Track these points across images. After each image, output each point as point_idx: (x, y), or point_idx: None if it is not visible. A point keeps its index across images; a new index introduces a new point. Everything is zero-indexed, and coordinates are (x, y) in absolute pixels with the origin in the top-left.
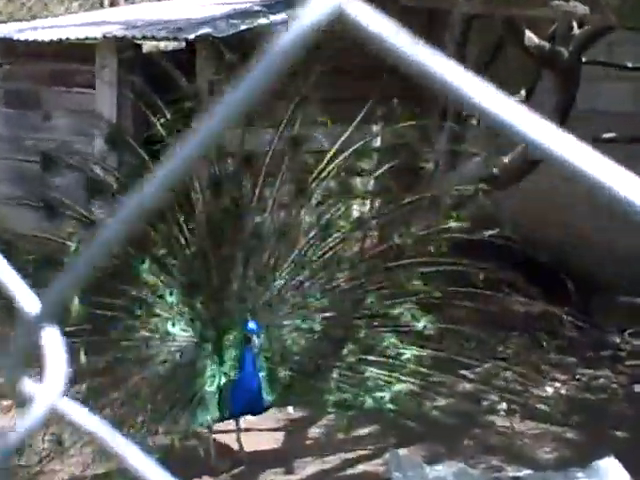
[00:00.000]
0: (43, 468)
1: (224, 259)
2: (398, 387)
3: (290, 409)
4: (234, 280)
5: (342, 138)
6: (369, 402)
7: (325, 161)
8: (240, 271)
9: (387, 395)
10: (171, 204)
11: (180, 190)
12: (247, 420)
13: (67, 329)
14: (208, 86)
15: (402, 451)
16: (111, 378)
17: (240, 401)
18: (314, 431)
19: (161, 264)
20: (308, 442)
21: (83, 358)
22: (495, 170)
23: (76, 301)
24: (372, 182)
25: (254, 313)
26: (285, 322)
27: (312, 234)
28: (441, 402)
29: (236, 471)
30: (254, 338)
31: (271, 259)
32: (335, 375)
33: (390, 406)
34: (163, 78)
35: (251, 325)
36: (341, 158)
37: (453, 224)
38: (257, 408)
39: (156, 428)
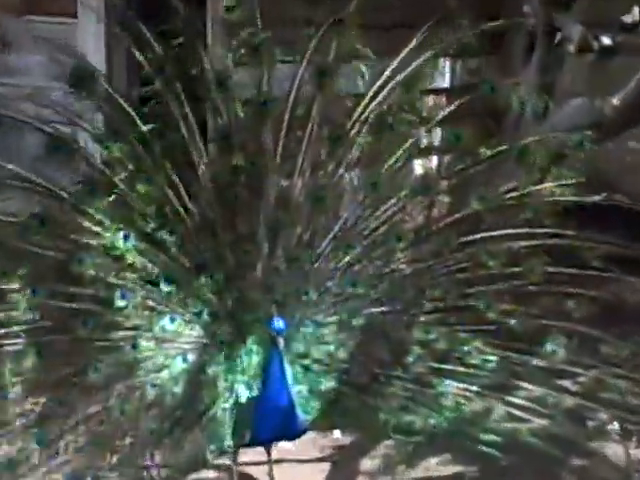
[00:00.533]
0: None
1: (241, 235)
2: (480, 405)
3: (336, 433)
4: (257, 262)
5: (389, 70)
6: (441, 425)
7: (368, 100)
8: (265, 250)
9: (468, 417)
10: (160, 160)
11: (173, 142)
12: (280, 448)
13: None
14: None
15: None
16: (81, 389)
17: (267, 422)
18: (367, 462)
19: (153, 241)
20: (358, 477)
21: (31, 362)
22: (603, 113)
23: (27, 292)
24: (439, 131)
25: (284, 306)
26: (327, 318)
27: (359, 200)
28: (535, 424)
29: None
30: (280, 340)
31: (305, 234)
32: (396, 389)
33: (469, 430)
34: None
35: (277, 323)
36: (393, 96)
37: (551, 185)
38: (290, 431)
39: (152, 455)
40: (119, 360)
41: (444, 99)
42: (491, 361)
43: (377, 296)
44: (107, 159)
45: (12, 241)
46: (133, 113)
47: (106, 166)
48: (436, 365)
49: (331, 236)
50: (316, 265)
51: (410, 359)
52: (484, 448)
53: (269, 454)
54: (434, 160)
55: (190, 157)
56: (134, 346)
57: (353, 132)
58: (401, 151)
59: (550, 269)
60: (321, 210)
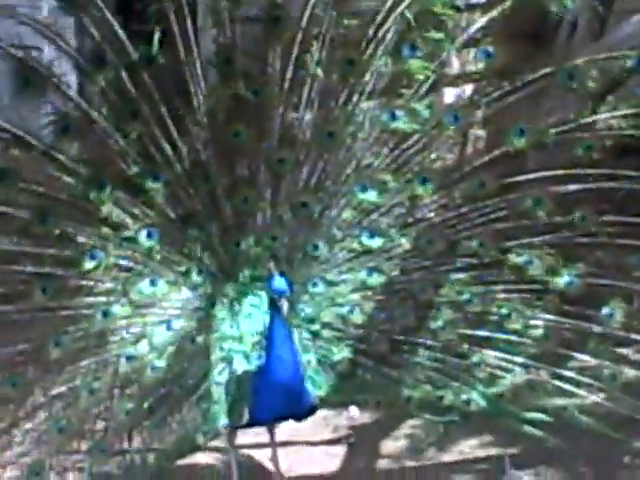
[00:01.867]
0: None
1: (239, 179)
2: (523, 378)
3: (352, 411)
4: (257, 210)
5: None
6: (477, 402)
7: (385, 14)
8: (267, 196)
9: (508, 392)
10: (149, 90)
11: (164, 64)
12: (286, 428)
13: None
14: None
15: (527, 474)
16: (41, 365)
17: (270, 399)
18: (389, 444)
19: (133, 188)
20: (380, 461)
21: None
22: None
23: None
24: (473, 52)
25: (289, 262)
26: (340, 276)
27: (375, 135)
28: (589, 400)
29: None
30: (283, 302)
31: (313, 177)
32: (422, 360)
33: (510, 408)
34: None
35: (278, 282)
36: (414, 8)
37: (605, 116)
38: (298, 410)
39: (129, 439)
40: (87, 331)
41: (479, 16)
42: (535, 326)
43: (399, 250)
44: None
45: None
46: (123, 35)
47: (84, 100)
48: (469, 331)
49: (343, 179)
50: (326, 213)
51: (439, 324)
52: (527, 428)
53: (272, 436)
54: (467, 88)
55: (185, 85)
56: (105, 314)
57: (368, 54)
58: (425, 76)
59: (605, 218)
60: (331, 148)
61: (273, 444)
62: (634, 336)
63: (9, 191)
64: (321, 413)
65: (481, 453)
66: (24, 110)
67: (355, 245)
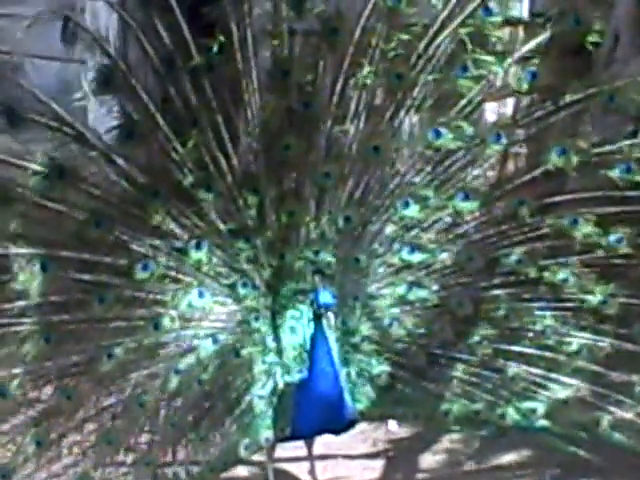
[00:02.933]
0: None
1: (285, 192)
2: (560, 394)
3: (391, 424)
4: (301, 224)
5: None
6: (513, 416)
7: (435, 31)
8: (311, 210)
9: (542, 406)
10: (208, 96)
11: (223, 73)
12: (324, 442)
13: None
14: None
15: None
16: (94, 377)
17: (311, 412)
18: (428, 459)
19: (185, 199)
20: (419, 475)
21: (36, 348)
22: None
23: (36, 267)
24: (515, 70)
25: (330, 276)
26: (380, 290)
27: (419, 151)
28: (621, 416)
29: None
30: (329, 315)
31: (356, 191)
32: (459, 374)
33: (546, 423)
34: None
35: (323, 295)
36: (463, 28)
37: None
38: (337, 423)
39: (173, 452)
40: (138, 343)
41: (521, 31)
42: (570, 343)
43: (439, 266)
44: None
45: (31, 195)
46: (189, 38)
47: (152, 103)
48: (505, 346)
49: (386, 194)
50: (368, 228)
51: (476, 339)
52: (561, 443)
53: (310, 449)
54: (509, 105)
55: (241, 95)
56: (156, 326)
57: (417, 69)
58: (471, 93)
59: None
60: (376, 162)
61: (311, 457)
62: None
63: (66, 190)
64: (359, 427)
65: (520, 468)
66: (98, 112)
67: (395, 260)
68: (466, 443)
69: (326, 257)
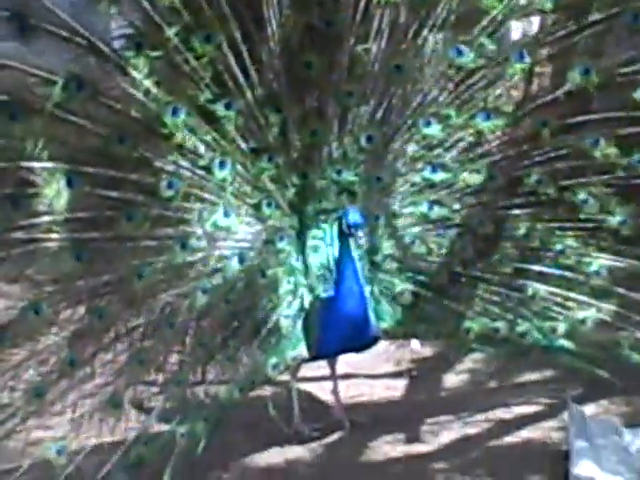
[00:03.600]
0: (16, 427)
1: (308, 111)
2: (579, 314)
3: (414, 344)
4: (324, 143)
5: None
6: (533, 335)
7: None
8: (334, 129)
9: (562, 326)
10: (225, 11)
11: None
12: (347, 362)
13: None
14: None
15: (588, 409)
16: (125, 297)
17: (336, 330)
18: (451, 378)
19: (206, 116)
20: (442, 394)
21: (71, 267)
22: None
23: (61, 182)
24: None
25: (354, 195)
26: (402, 209)
27: (441, 70)
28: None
29: (331, 439)
30: (358, 234)
31: (378, 110)
32: (480, 292)
33: (566, 343)
34: None
35: (353, 215)
36: None
37: None
38: (362, 341)
39: (202, 372)
40: (167, 263)
41: None
42: (590, 264)
43: (461, 185)
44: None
45: (49, 107)
46: None
47: (159, 15)
48: (526, 266)
49: (408, 113)
50: (390, 147)
51: (496, 258)
52: (582, 363)
53: (333, 369)
54: (535, 24)
55: (260, 11)
56: (183, 246)
57: None
58: (495, 11)
59: None
60: (398, 81)
61: (334, 377)
62: None
63: (86, 103)
64: (383, 346)
65: (541, 387)
66: (98, 21)
67: (418, 179)
68: (488, 363)
69: (349, 176)
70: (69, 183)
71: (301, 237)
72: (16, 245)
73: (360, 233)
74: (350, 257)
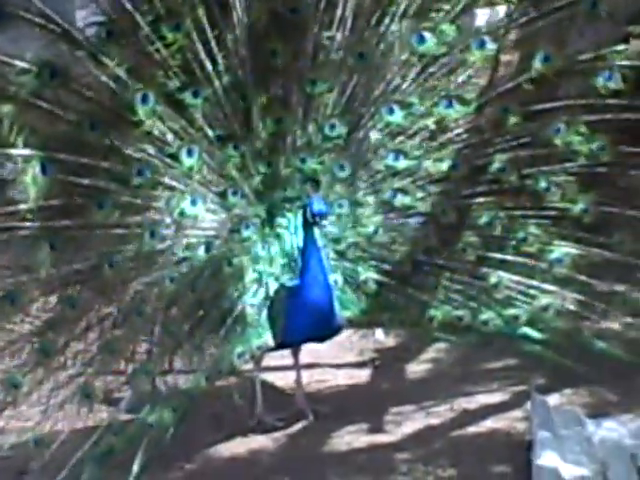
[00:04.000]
0: None
1: (273, 99)
2: (542, 302)
3: (378, 334)
4: (288, 131)
5: None
6: (496, 323)
7: None
8: (298, 118)
9: (524, 313)
10: (193, 3)
11: None
12: (311, 351)
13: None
14: None
15: (552, 399)
16: (96, 285)
17: (302, 319)
18: (414, 368)
19: (174, 104)
20: (406, 384)
21: (45, 255)
22: None
23: (36, 169)
24: None
25: (318, 183)
26: (366, 197)
27: (404, 57)
28: (608, 326)
29: (294, 429)
30: (322, 223)
31: (342, 98)
32: (444, 281)
33: (528, 330)
34: None
35: (317, 204)
36: None
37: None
38: (326, 330)
39: (170, 361)
40: (136, 251)
41: None
42: (551, 251)
43: (424, 173)
44: None
45: (24, 94)
46: None
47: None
48: (489, 254)
49: (371, 101)
50: (353, 135)
51: (460, 246)
52: (544, 350)
53: (296, 358)
54: (502, 12)
55: None
56: (152, 234)
57: None
58: None
59: (627, 148)
60: (361, 69)
61: (297, 367)
62: None
63: (59, 89)
64: (346, 336)
65: (505, 376)
66: (68, 6)
67: (381, 166)
68: (452, 352)
69: (313, 164)
70: (43, 170)
71: (266, 226)
72: None
73: (324, 222)
74: (315, 246)
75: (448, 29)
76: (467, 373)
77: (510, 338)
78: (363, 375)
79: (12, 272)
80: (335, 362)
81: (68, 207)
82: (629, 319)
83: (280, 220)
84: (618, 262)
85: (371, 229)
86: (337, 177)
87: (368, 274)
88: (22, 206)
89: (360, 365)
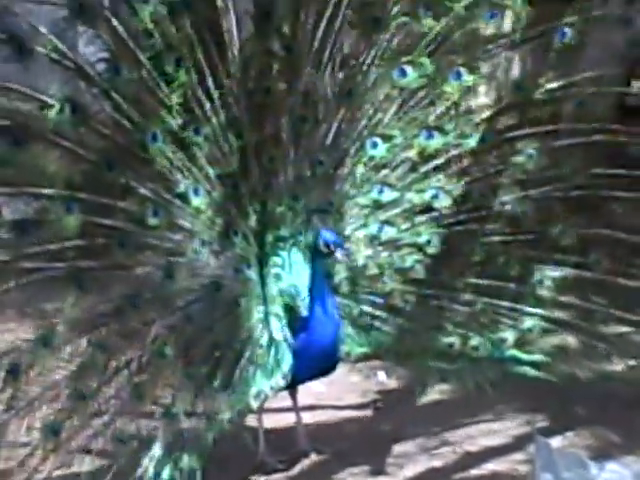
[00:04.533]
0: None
1: (266, 136)
2: (527, 324)
3: (380, 375)
4: (280, 170)
5: None
6: (486, 348)
7: None
8: (290, 155)
9: (511, 336)
10: (190, 36)
11: (206, 17)
12: (313, 392)
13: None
14: None
15: (554, 441)
16: (120, 328)
17: (310, 358)
18: (417, 410)
19: (179, 142)
20: (408, 426)
21: (73, 297)
22: None
23: (61, 209)
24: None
25: (309, 221)
26: (355, 232)
27: (386, 91)
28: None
29: (296, 470)
30: (338, 252)
31: (329, 134)
32: (432, 309)
33: (516, 353)
34: None
35: (330, 234)
36: None
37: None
38: (330, 365)
39: (193, 405)
40: (155, 293)
41: None
42: (531, 274)
43: (407, 205)
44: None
45: (47, 131)
46: None
47: (131, 38)
48: (473, 280)
49: (355, 136)
50: (340, 170)
51: (445, 274)
52: (533, 372)
53: (295, 399)
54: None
55: (221, 36)
56: (169, 275)
57: (391, 13)
58: (433, 31)
59: (595, 170)
60: (348, 105)
61: (296, 407)
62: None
63: (79, 127)
64: (349, 378)
65: (508, 418)
66: (80, 44)
67: (366, 200)
68: (454, 394)
69: (304, 202)
70: (68, 210)
71: (264, 265)
72: (23, 274)
73: (340, 251)
74: (323, 280)
75: (426, 62)
76: (469, 415)
77: (500, 360)
78: (365, 416)
79: (42, 315)
80: (337, 403)
81: (92, 247)
82: (632, 362)
83: (276, 259)
84: (596, 281)
85: (361, 263)
86: (327, 213)
87: (361, 307)
88: (50, 246)
89: (362, 406)
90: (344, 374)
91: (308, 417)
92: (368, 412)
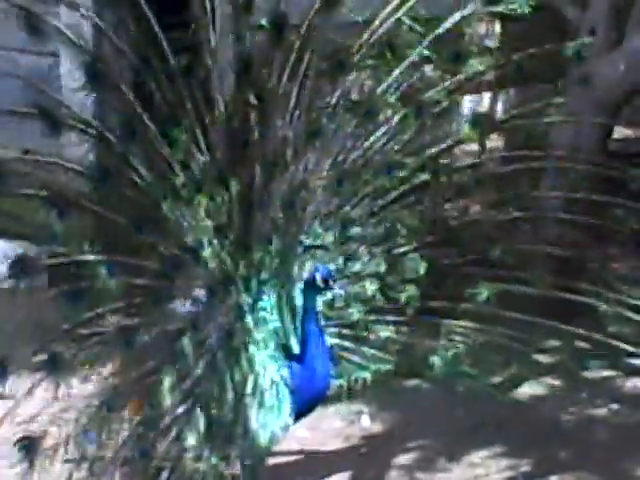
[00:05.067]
0: None
1: (245, 184)
2: (479, 340)
3: (363, 420)
4: (256, 216)
5: None
6: (439, 366)
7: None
8: (264, 202)
9: (463, 353)
10: (187, 99)
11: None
12: (295, 437)
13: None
14: None
15: None
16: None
17: (309, 396)
18: (400, 455)
19: (184, 201)
20: (392, 471)
21: (118, 356)
22: None
23: (103, 270)
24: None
25: (284, 263)
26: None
27: (349, 130)
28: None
29: None
30: (335, 286)
31: (297, 176)
32: (392, 334)
33: (468, 369)
34: None
35: (324, 268)
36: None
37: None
38: (322, 398)
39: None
40: (181, 350)
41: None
42: (479, 293)
43: (370, 238)
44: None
45: (82, 198)
46: (164, 41)
47: (140, 105)
48: (427, 303)
49: (321, 174)
50: (307, 210)
51: (403, 300)
52: (488, 389)
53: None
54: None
55: (210, 93)
56: (195, 327)
57: (357, 58)
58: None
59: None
60: (315, 146)
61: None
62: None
63: (111, 193)
64: (333, 423)
65: (492, 464)
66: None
67: (331, 237)
68: (437, 439)
69: (277, 246)
70: (110, 272)
71: (253, 311)
72: (82, 341)
73: (338, 284)
74: (316, 315)
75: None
76: (453, 460)
77: (452, 376)
78: (349, 462)
79: (102, 378)
80: (321, 449)
81: (130, 307)
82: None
83: (261, 303)
84: (538, 296)
85: (329, 296)
86: (297, 254)
87: (333, 340)
88: (99, 310)
89: (346, 452)
90: (328, 419)
91: (291, 462)
92: (352, 457)
